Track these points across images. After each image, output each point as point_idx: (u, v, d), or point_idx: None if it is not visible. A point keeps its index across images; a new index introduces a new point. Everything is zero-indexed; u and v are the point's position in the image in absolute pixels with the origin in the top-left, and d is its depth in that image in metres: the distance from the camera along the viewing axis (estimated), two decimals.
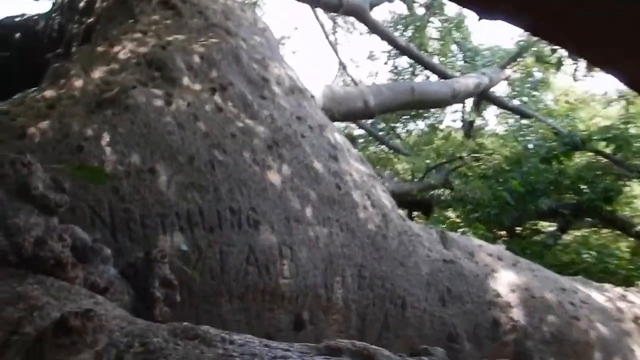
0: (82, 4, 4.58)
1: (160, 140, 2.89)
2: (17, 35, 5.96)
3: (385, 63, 16.39)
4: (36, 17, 5.95)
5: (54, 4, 5.58)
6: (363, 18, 10.74)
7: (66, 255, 1.37)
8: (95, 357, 1.10)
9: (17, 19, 6.11)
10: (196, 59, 3.67)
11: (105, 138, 2.78)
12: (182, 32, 3.77)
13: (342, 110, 7.24)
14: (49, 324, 1.14)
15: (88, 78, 3.28)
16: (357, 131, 15.09)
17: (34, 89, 3.24)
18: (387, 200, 3.86)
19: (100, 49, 3.59)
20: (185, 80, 3.49)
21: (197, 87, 3.47)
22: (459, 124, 15.51)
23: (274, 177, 3.17)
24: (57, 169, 1.52)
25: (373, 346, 1.24)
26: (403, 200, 10.41)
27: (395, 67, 16.55)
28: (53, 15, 5.40)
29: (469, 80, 10.80)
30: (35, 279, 1.32)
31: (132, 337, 1.18)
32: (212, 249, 2.69)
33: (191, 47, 3.60)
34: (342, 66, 14.97)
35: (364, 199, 3.60)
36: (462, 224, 9.96)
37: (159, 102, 3.12)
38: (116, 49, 3.51)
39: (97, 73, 3.36)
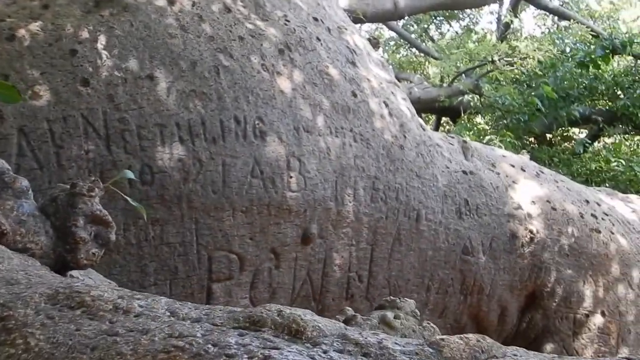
0: None
1: (160, 44, 2.57)
2: None
3: None
4: None
5: None
6: None
7: None
8: None
9: None
10: None
11: (102, 41, 2.48)
12: None
13: (369, 11, 6.63)
14: None
15: None
16: (388, 33, 14.18)
17: None
18: (406, 109, 3.51)
19: None
20: None
21: None
22: (495, 26, 14.36)
23: (284, 84, 2.84)
24: None
25: (305, 315, 0.95)
26: (431, 106, 9.92)
27: None
28: None
29: None
30: None
31: None
32: (214, 161, 2.46)
33: None
34: None
35: (382, 107, 3.26)
36: (490, 131, 9.45)
37: (161, 2, 2.75)
38: None
39: None
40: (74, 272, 1.32)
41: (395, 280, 3.16)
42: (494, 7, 13.37)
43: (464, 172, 3.60)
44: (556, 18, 13.03)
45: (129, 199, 1.47)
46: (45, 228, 1.24)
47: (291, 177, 2.67)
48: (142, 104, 2.38)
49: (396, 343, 0.88)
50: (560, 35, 10.63)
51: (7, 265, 1.07)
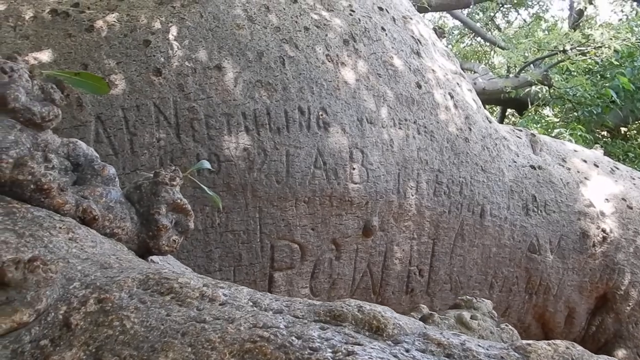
0: None
1: (228, 34, 2.62)
2: None
3: None
4: None
5: None
6: None
7: (49, 180, 1.15)
8: (36, 319, 0.89)
9: None
10: None
11: (173, 32, 2.55)
12: None
13: (434, 0, 6.46)
14: None
15: None
16: (452, 22, 13.79)
17: None
18: (472, 100, 3.40)
19: None
20: None
21: None
22: (567, 14, 13.63)
23: (348, 75, 2.82)
24: (52, 76, 1.28)
25: (386, 312, 0.92)
26: (496, 97, 9.57)
27: None
28: None
29: None
30: (5, 209, 1.10)
31: (92, 289, 0.96)
32: (278, 151, 2.48)
33: None
34: None
35: (446, 98, 3.17)
36: (559, 123, 9.01)
37: None
38: None
39: None
40: (155, 257, 1.37)
41: (457, 276, 3.09)
42: None
43: (532, 167, 3.46)
44: (635, 4, 12.20)
45: (205, 188, 1.51)
46: (130, 214, 1.29)
47: (354, 168, 2.66)
48: (211, 94, 2.43)
49: (479, 345, 0.85)
50: (639, 22, 9.94)
51: (99, 249, 1.13)
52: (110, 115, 2.28)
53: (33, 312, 0.89)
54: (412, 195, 2.86)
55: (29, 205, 1.14)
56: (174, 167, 1.34)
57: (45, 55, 2.31)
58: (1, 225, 1.06)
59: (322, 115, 2.64)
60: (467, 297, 1.32)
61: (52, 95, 1.21)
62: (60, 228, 1.11)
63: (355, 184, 2.66)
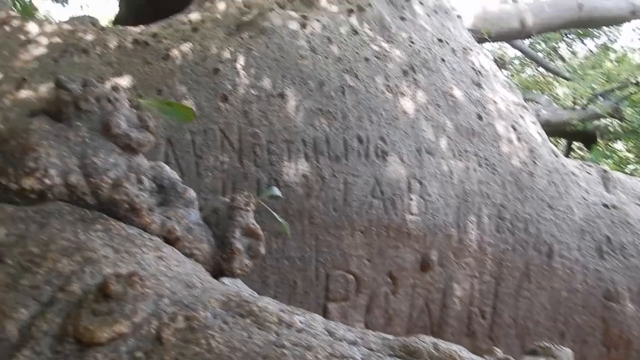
0: None
1: (292, 64, 2.73)
2: None
3: None
4: None
5: None
6: None
7: (141, 200, 1.25)
8: (132, 330, 0.95)
9: None
10: None
11: (240, 61, 2.69)
12: None
13: (494, 30, 6.42)
14: (94, 284, 1.02)
15: (231, 1, 3.19)
16: (512, 52, 13.60)
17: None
18: (536, 133, 3.33)
19: None
20: (323, 2, 3.24)
21: (334, 8, 3.20)
22: (638, 44, 13.17)
23: (407, 105, 2.85)
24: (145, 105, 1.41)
25: (462, 351, 0.91)
26: (561, 130, 9.29)
27: None
28: None
29: None
30: (104, 225, 1.22)
31: (180, 307, 1.01)
32: (336, 178, 2.53)
33: None
34: None
35: (509, 130, 3.13)
36: (634, 159, 8.61)
37: (294, 25, 2.93)
38: None
39: None
40: (225, 280, 1.44)
41: (523, 320, 2.94)
42: (636, 23, 12.28)
43: (605, 206, 3.30)
44: None
45: (275, 214, 1.58)
46: (207, 237, 1.38)
47: (412, 199, 2.65)
48: (273, 121, 2.53)
49: None
50: None
51: (183, 268, 1.21)
52: (179, 138, 2.42)
53: (130, 324, 0.96)
54: (473, 230, 2.81)
55: (123, 223, 1.24)
56: (247, 193, 1.42)
57: (125, 81, 2.50)
58: (101, 240, 1.16)
59: (380, 144, 2.67)
60: (544, 343, 1.27)
61: (148, 123, 1.34)
62: (150, 246, 1.20)
63: (413, 215, 2.65)
